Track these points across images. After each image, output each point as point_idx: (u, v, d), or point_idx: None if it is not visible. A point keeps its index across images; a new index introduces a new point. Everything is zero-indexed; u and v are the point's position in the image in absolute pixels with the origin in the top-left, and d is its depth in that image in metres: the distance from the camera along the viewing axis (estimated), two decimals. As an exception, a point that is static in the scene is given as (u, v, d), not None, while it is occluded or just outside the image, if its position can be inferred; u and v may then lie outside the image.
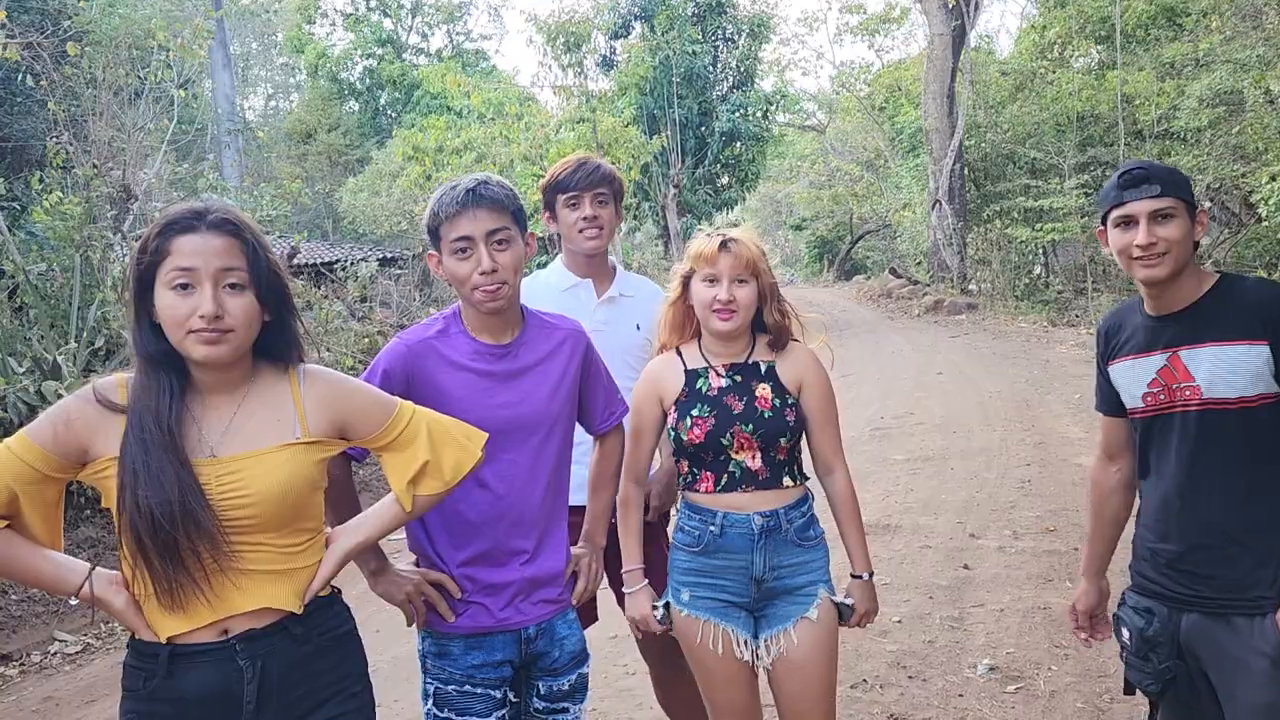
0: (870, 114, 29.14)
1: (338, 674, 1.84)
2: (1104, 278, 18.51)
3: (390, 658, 4.08)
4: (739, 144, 22.09)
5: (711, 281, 2.41)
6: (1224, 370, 2.07)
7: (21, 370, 6.90)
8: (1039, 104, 21.12)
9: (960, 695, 3.87)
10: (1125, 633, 2.25)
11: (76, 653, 5.33)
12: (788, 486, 2.43)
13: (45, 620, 5.73)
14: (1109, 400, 2.33)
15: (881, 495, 6.98)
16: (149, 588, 1.69)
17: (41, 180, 8.70)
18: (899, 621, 4.64)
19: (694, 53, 20.72)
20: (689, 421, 2.42)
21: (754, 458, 2.41)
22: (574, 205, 2.84)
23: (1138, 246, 2.09)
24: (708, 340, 2.50)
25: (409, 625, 2.24)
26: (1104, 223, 2.20)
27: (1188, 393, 2.11)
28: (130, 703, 1.75)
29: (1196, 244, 2.15)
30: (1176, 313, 2.15)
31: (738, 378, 2.46)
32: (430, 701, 2.20)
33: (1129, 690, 2.29)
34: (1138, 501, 2.36)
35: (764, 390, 2.44)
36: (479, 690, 2.17)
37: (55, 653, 5.32)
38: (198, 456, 1.70)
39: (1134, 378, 2.21)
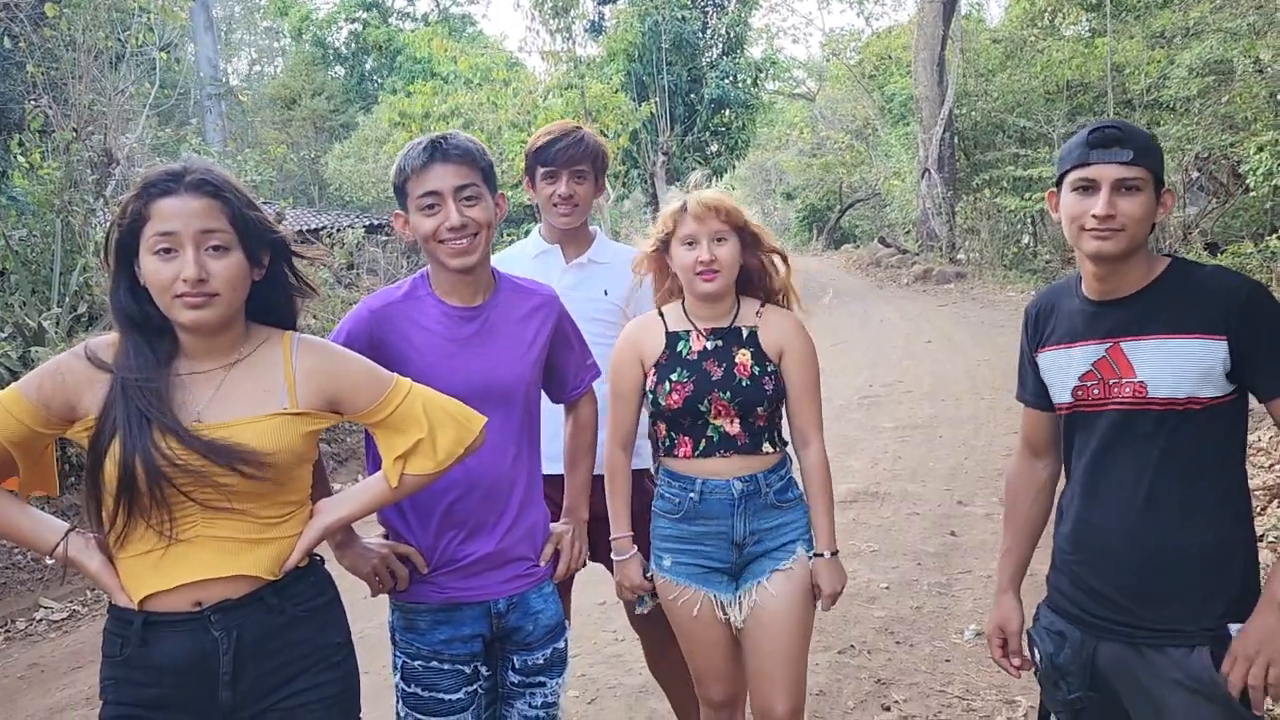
0: (860, 82, 28.97)
1: (315, 644, 1.80)
2: (1092, 247, 18.51)
3: (377, 624, 4.01)
4: (728, 111, 21.93)
5: (690, 244, 2.35)
6: (1172, 366, 1.82)
7: (3, 336, 6.84)
8: (1029, 72, 21.04)
9: (947, 660, 3.89)
10: (1036, 654, 2.05)
11: (63, 619, 5.32)
12: (767, 453, 2.41)
13: (30, 587, 5.71)
14: (1035, 391, 2.08)
15: (870, 463, 7.00)
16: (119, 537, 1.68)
17: (21, 144, 8.56)
18: (887, 588, 4.66)
19: (683, 18, 20.51)
20: (668, 386, 2.38)
21: (732, 424, 2.38)
22: (551, 180, 2.78)
23: (1094, 216, 1.82)
24: (691, 302, 2.45)
25: (373, 596, 2.19)
26: (1059, 184, 1.92)
27: (1127, 390, 1.86)
28: (108, 669, 1.74)
29: (1153, 226, 1.88)
30: (1121, 299, 1.90)
31: (719, 342, 2.41)
32: (399, 675, 2.16)
33: (1044, 715, 2.11)
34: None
35: (744, 356, 2.39)
36: (446, 666, 2.13)
37: (41, 619, 5.32)
38: (189, 420, 1.67)
39: (1065, 369, 1.96)
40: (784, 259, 2.50)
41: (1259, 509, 5.37)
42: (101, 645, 1.77)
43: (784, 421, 2.49)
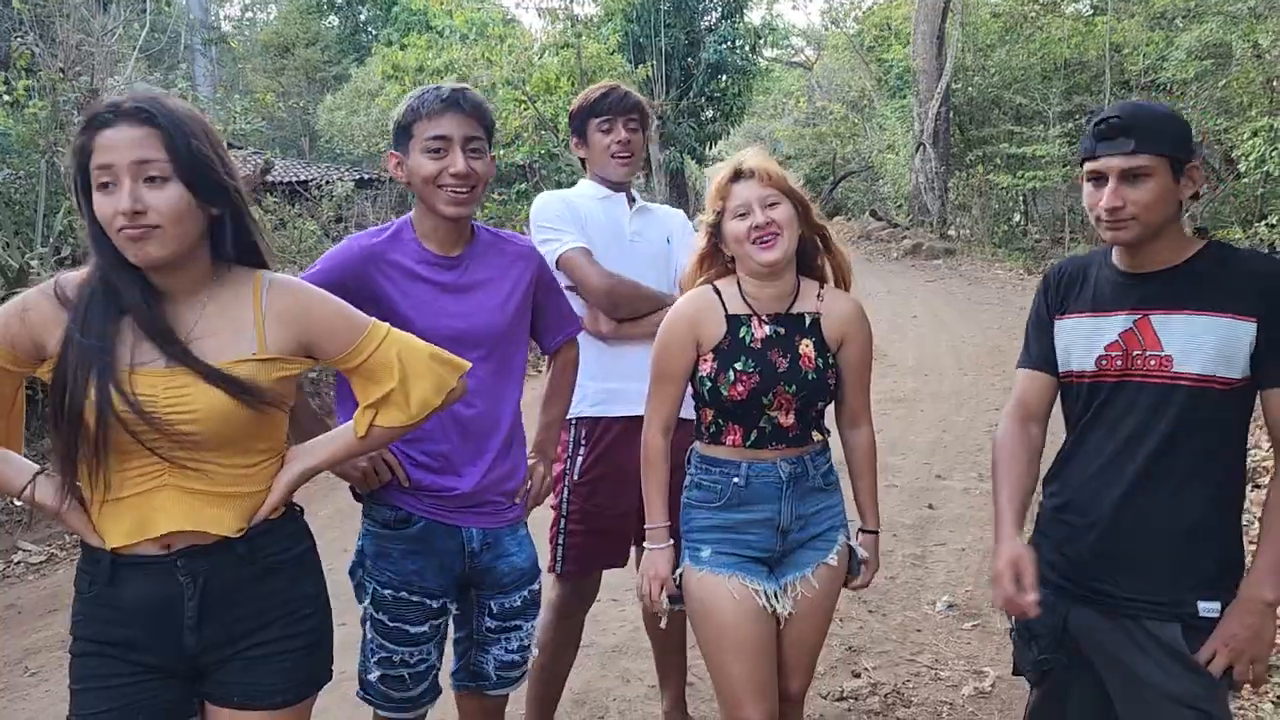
0: (858, 52, 28.75)
1: (287, 596, 1.78)
2: (1082, 228, 18.55)
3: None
4: (725, 77, 21.77)
5: (743, 214, 2.21)
6: (1200, 342, 1.82)
7: (-15, 277, 6.76)
8: (1027, 49, 20.95)
9: (918, 630, 3.94)
10: (1011, 616, 2.10)
11: (40, 563, 5.33)
12: (814, 440, 2.31)
13: (9, 530, 5.71)
14: (1042, 356, 2.07)
15: (851, 434, 7.04)
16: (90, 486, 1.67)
17: (6, 81, 8.42)
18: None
19: (683, -20, 20.30)
20: (732, 376, 2.21)
21: (788, 416, 2.24)
22: (607, 130, 2.83)
23: (1104, 209, 1.85)
24: (749, 284, 2.29)
25: (360, 494, 2.24)
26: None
27: (1153, 362, 1.87)
28: (78, 605, 1.74)
29: (1196, 197, 1.89)
30: (1153, 272, 1.91)
31: (781, 330, 2.26)
32: (369, 599, 2.21)
33: (1016, 671, 2.18)
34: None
35: (807, 347, 2.25)
36: (415, 598, 2.18)
37: (19, 562, 5.31)
38: (152, 366, 1.63)
39: (1090, 337, 1.97)
40: (827, 242, 2.35)
41: (1232, 493, 5.44)
42: (74, 580, 1.76)
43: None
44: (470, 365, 1.90)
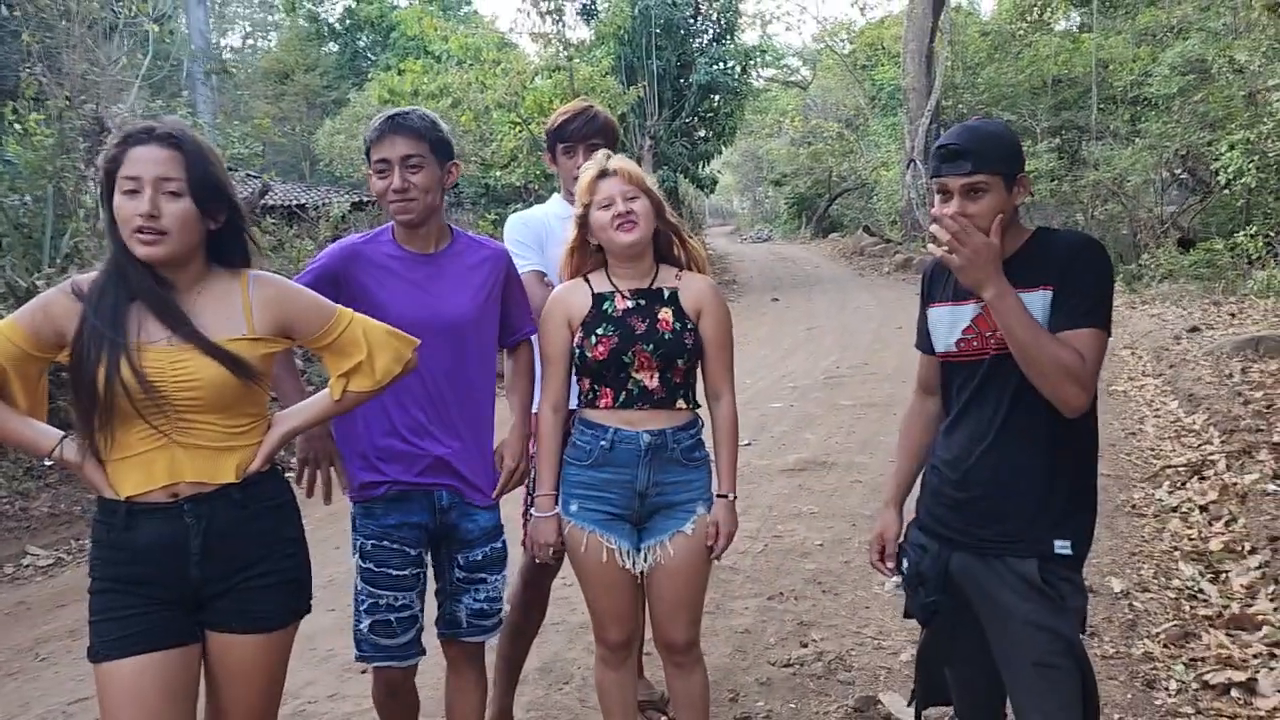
0: (852, 72, 29.17)
1: (274, 536, 2.13)
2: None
3: (346, 570, 4.34)
4: (716, 97, 22.17)
5: (607, 205, 2.55)
6: None
7: (-5, 296, 7.09)
8: (1015, 66, 21.31)
9: (866, 607, 4.21)
10: (904, 564, 2.41)
11: (48, 565, 5.61)
12: (680, 409, 2.59)
13: (18, 535, 6.01)
14: (926, 341, 2.40)
15: (824, 436, 7.32)
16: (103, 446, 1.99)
17: (15, 111, 8.79)
18: (820, 545, 4.98)
19: (674, 3, 20.71)
20: (594, 339, 2.55)
21: (652, 377, 2.55)
22: (569, 154, 3.09)
23: (949, 218, 2.14)
24: (614, 265, 2.64)
25: (300, 486, 2.53)
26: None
27: (995, 339, 2.17)
28: (96, 551, 2.06)
29: (1018, 207, 2.18)
30: None
31: (642, 301, 2.60)
32: (357, 554, 2.55)
33: (907, 615, 2.46)
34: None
35: (666, 314, 2.58)
36: (395, 546, 2.52)
37: (28, 565, 5.61)
38: (158, 343, 1.97)
39: (950, 324, 2.27)
40: (680, 237, 2.69)
41: (1180, 483, 5.70)
42: (91, 534, 2.08)
43: (699, 384, 2.68)
44: (419, 341, 2.24)
